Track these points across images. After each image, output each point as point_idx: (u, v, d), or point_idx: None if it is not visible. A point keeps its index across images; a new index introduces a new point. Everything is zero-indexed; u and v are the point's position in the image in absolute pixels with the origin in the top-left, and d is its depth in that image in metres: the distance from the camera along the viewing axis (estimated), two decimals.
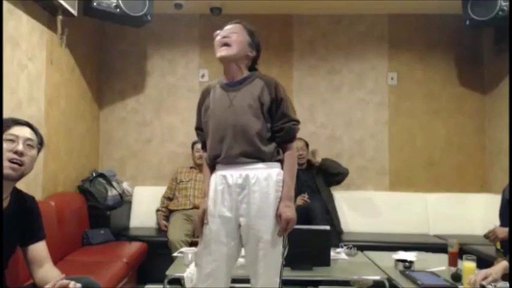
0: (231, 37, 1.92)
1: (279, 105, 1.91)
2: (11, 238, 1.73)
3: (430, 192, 4.25)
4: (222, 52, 1.91)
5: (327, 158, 4.05)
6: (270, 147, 1.89)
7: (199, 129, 2.08)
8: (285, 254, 1.92)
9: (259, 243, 1.84)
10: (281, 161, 1.92)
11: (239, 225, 1.88)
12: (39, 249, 1.81)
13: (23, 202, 1.81)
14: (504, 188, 2.90)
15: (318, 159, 3.98)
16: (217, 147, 1.91)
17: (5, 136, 1.68)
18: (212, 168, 1.98)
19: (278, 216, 1.84)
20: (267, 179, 1.86)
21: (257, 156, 1.87)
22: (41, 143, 1.81)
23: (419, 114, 4.42)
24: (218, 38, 1.94)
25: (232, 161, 1.87)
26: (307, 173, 3.97)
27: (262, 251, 1.84)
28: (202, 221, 1.92)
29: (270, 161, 1.89)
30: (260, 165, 1.87)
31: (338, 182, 4.01)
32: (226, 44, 1.91)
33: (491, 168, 4.30)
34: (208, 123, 1.96)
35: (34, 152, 1.76)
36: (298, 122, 1.95)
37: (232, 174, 1.87)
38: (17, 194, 1.81)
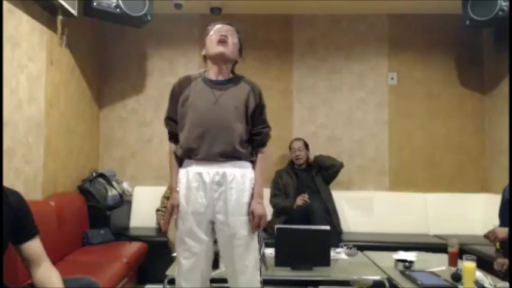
0: (229, 38, 1.96)
1: (261, 111, 2.02)
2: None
3: (430, 192, 4.25)
4: (220, 48, 1.94)
5: (320, 154, 4.06)
6: (247, 149, 1.97)
7: (170, 119, 2.07)
8: (262, 251, 1.99)
9: (235, 240, 1.88)
10: (253, 162, 2.00)
11: (212, 222, 1.92)
12: (34, 247, 1.75)
13: (5, 197, 1.70)
14: (504, 188, 2.91)
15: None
16: (195, 142, 1.92)
17: None
18: (180, 161, 2.00)
19: (251, 213, 1.90)
20: (242, 176, 1.92)
21: (234, 156, 1.92)
22: None
23: (419, 114, 4.42)
24: (216, 35, 1.95)
25: (210, 158, 1.90)
26: (307, 173, 3.99)
27: (239, 247, 1.89)
28: (170, 216, 1.97)
29: (245, 160, 1.96)
30: (236, 163, 1.92)
31: (334, 175, 3.99)
32: (224, 42, 1.94)
33: (491, 168, 4.30)
34: (187, 115, 1.96)
35: None
36: (270, 129, 2.07)
37: (209, 172, 1.90)
38: None
